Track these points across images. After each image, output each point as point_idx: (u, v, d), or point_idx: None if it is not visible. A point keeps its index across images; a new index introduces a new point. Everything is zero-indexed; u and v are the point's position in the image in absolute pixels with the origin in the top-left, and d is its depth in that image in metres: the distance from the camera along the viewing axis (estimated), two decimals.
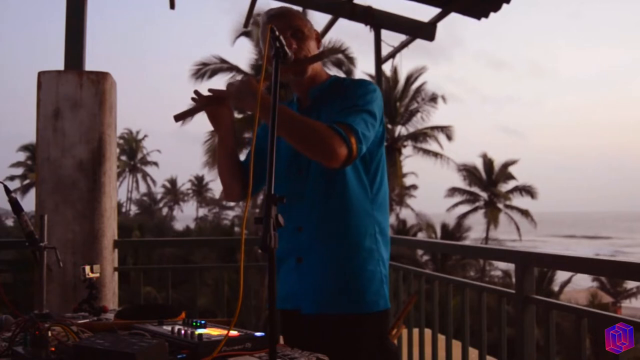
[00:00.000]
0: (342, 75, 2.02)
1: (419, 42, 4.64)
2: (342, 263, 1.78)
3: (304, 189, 1.82)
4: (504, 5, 3.98)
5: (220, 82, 22.55)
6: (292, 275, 1.84)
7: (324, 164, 1.64)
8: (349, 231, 1.78)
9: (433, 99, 25.34)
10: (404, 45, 4.72)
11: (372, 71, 4.82)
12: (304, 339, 1.75)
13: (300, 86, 1.88)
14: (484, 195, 32.21)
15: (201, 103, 1.77)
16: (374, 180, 1.83)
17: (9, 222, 33.76)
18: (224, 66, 22.46)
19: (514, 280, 2.66)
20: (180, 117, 1.77)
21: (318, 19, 11.10)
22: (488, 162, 32.54)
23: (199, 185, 54.65)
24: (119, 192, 43.76)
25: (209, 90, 1.78)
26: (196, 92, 1.78)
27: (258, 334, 1.45)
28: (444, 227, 28.64)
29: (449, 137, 25.84)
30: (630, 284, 30.18)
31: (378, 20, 4.47)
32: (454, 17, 4.33)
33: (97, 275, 1.99)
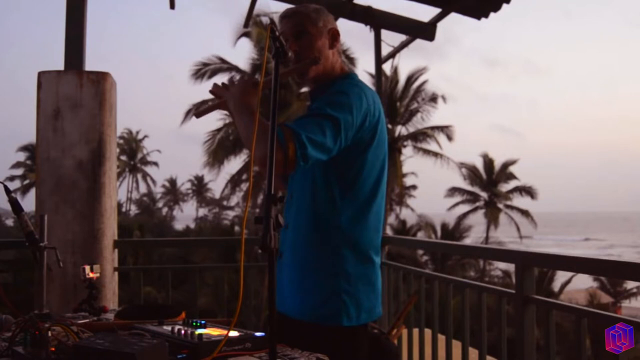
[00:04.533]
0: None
1: (416, 42, 4.64)
2: (301, 269, 1.77)
3: (292, 189, 1.85)
4: (504, 6, 3.98)
5: (219, 82, 22.52)
6: (277, 270, 1.86)
7: (259, 167, 1.55)
8: (310, 239, 1.75)
9: (433, 99, 25.31)
10: (404, 45, 4.72)
11: (372, 71, 4.82)
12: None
13: (310, 84, 1.88)
14: (484, 195, 32.20)
15: (217, 101, 1.85)
16: (350, 190, 1.73)
17: (9, 222, 33.72)
18: (224, 66, 22.47)
19: (514, 280, 2.66)
20: (201, 114, 1.92)
21: None
22: (488, 162, 32.53)
23: (199, 185, 54.64)
24: (119, 192, 43.74)
25: (213, 85, 1.85)
26: (215, 85, 1.85)
27: (258, 334, 1.45)
28: (444, 227, 28.64)
29: (450, 137, 25.79)
30: (630, 284, 30.16)
31: (378, 20, 4.47)
32: (452, 17, 4.33)
33: (97, 275, 1.99)
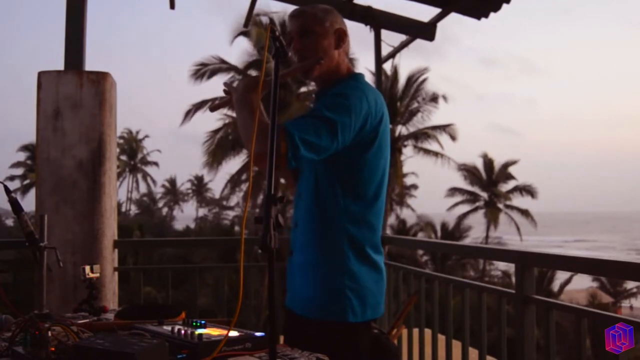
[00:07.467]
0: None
1: (416, 42, 4.64)
2: (309, 267, 1.80)
3: (301, 189, 1.87)
4: (504, 6, 3.98)
5: (219, 82, 22.60)
6: (288, 267, 1.91)
7: (255, 164, 1.57)
8: (316, 237, 1.78)
9: (434, 99, 25.29)
10: (404, 45, 4.71)
11: (373, 71, 4.82)
12: (286, 330, 1.82)
13: (317, 84, 1.91)
14: (484, 195, 32.21)
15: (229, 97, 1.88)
16: (351, 189, 1.75)
17: (9, 222, 33.72)
18: (223, 66, 22.48)
19: (514, 280, 2.66)
20: (215, 108, 2.00)
21: None
22: (488, 162, 32.53)
23: (199, 185, 54.62)
24: (119, 192, 43.73)
25: (224, 84, 1.88)
26: (225, 84, 1.87)
27: (258, 334, 1.45)
28: (444, 226, 28.66)
29: (452, 137, 25.75)
30: (630, 284, 30.18)
31: (378, 20, 4.46)
32: (451, 17, 4.33)
33: (97, 275, 1.99)
